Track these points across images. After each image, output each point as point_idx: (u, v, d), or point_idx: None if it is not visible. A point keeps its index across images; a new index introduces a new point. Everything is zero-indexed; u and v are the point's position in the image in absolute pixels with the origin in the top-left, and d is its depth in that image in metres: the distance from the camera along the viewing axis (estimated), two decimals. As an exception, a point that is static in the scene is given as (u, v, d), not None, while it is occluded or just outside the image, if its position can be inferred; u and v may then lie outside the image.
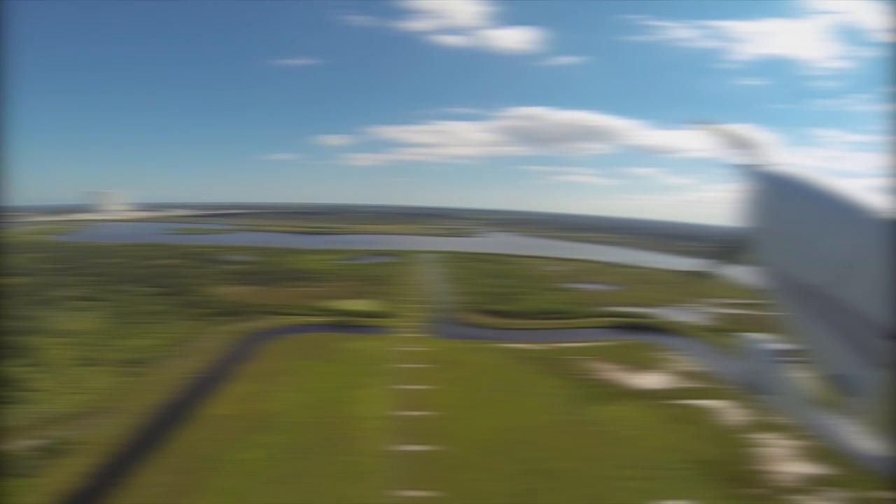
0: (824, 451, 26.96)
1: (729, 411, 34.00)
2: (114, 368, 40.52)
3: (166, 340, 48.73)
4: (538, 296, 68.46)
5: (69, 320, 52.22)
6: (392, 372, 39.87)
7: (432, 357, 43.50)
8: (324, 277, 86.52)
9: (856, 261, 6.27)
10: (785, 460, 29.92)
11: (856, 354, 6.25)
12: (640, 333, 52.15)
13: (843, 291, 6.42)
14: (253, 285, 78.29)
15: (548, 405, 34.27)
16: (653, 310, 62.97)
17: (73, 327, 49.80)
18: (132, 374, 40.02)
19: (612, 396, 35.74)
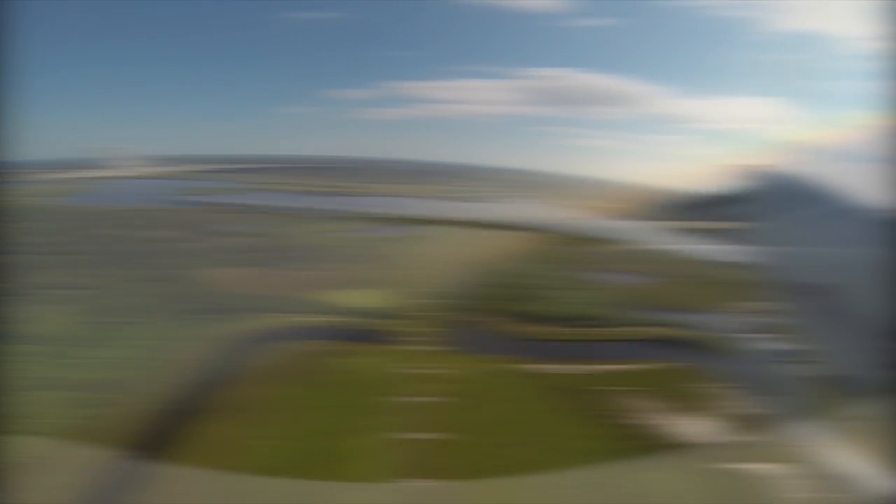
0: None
1: (788, 481, 25.82)
2: (73, 394, 33.87)
3: (140, 350, 43.29)
4: (566, 292, 59.96)
5: (39, 318, 45.70)
6: (397, 409, 32.74)
7: (446, 385, 36.15)
8: (329, 256, 79.10)
9: (857, 261, 6.87)
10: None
11: (857, 354, 6.91)
12: (680, 351, 43.60)
13: (844, 292, 7.07)
14: (250, 266, 73.15)
15: (585, 469, 27.21)
16: (688, 315, 53.78)
17: (40, 329, 43.36)
18: (92, 404, 32.95)
19: (655, 453, 28.47)
